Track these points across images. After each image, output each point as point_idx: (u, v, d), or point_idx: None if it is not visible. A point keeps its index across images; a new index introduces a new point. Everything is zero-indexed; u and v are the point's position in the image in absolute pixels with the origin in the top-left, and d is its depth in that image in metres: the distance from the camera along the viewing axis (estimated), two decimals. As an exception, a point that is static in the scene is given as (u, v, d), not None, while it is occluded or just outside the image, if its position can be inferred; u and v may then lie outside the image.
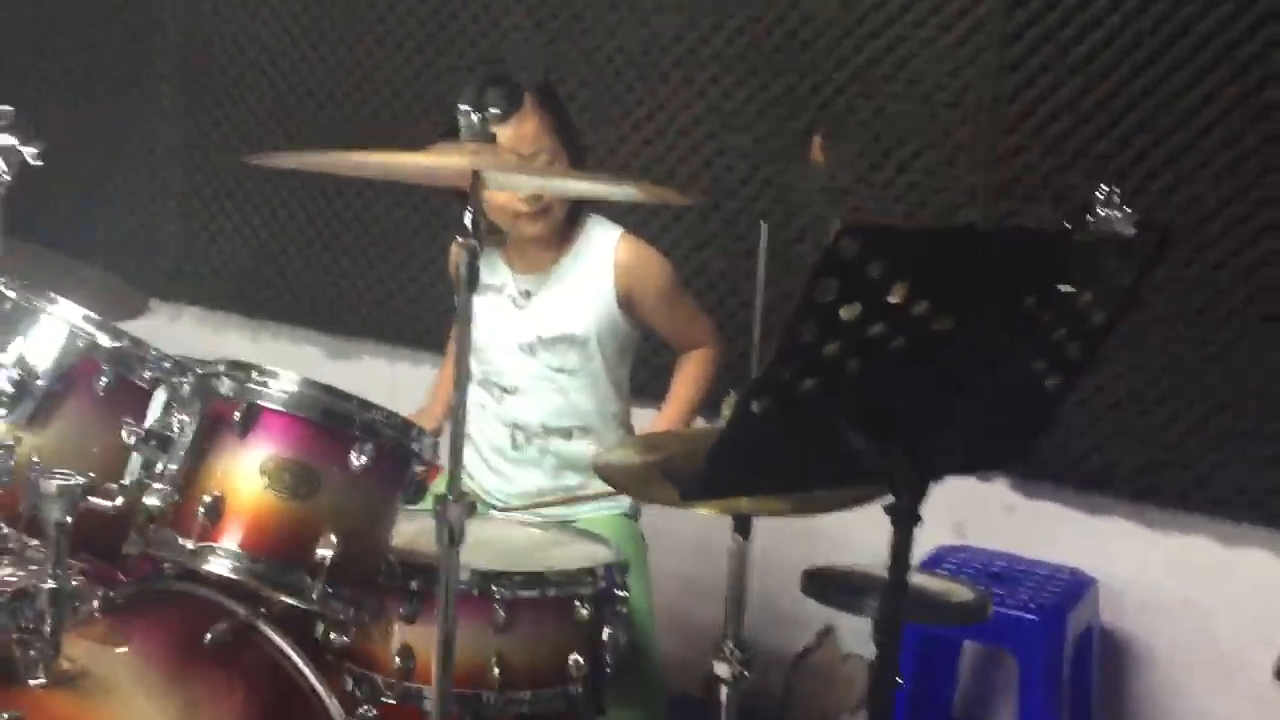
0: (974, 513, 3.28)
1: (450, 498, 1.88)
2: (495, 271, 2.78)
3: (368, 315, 3.97)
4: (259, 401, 2.00)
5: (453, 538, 1.88)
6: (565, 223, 2.73)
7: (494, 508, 2.77)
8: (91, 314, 2.16)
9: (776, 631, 3.50)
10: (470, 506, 1.91)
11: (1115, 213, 1.86)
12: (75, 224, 4.28)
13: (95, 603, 2.05)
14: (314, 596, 1.97)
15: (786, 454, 1.86)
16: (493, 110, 2.53)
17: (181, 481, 2.00)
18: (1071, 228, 1.82)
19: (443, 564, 1.88)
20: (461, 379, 1.91)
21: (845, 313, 1.72)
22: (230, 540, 1.98)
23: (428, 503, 2.74)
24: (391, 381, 3.90)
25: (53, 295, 2.16)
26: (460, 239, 2.70)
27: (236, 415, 1.99)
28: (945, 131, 3.16)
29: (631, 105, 3.52)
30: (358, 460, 2.01)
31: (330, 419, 2.02)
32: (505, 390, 2.76)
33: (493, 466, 2.81)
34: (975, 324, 1.85)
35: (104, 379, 2.13)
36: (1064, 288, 1.91)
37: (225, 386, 2.01)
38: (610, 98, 3.54)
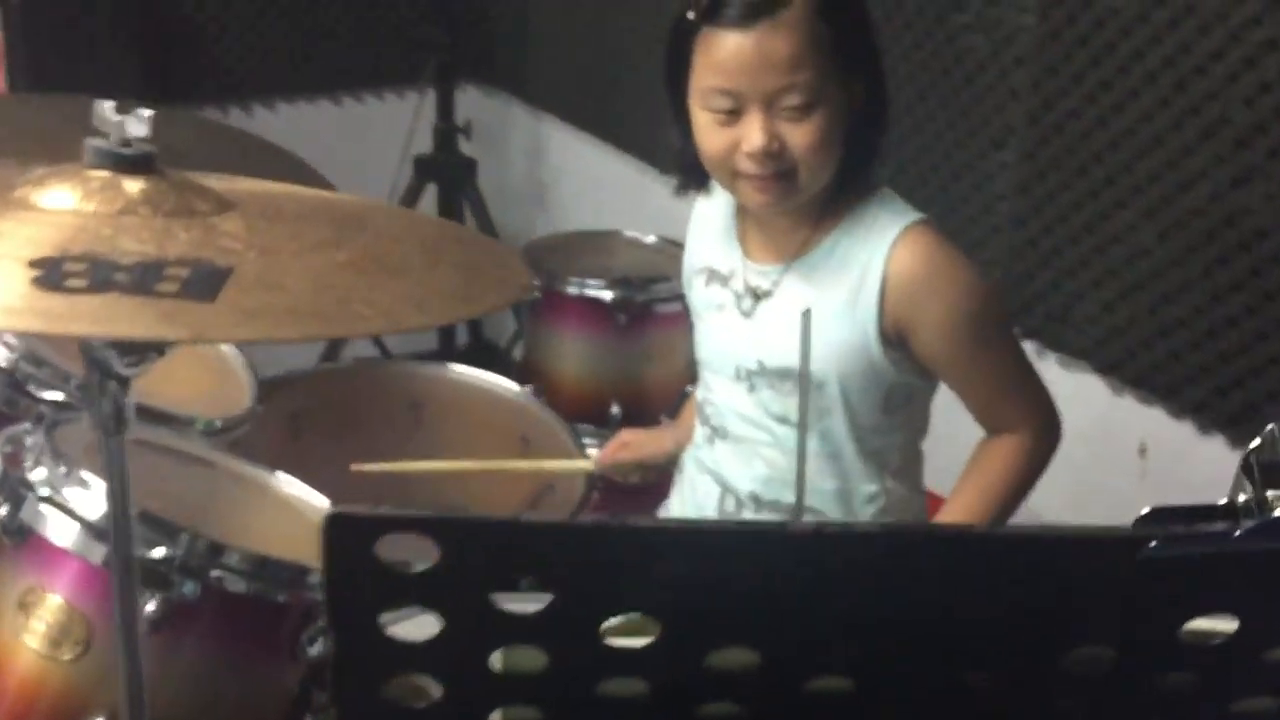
0: None
1: None
2: (727, 251, 1.87)
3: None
4: (25, 520, 1.36)
5: None
6: (828, 196, 1.74)
7: None
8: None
9: None
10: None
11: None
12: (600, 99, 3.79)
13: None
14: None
15: None
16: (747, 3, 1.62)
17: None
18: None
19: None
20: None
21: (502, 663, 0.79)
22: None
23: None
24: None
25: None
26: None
27: (4, 515, 1.37)
28: None
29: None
30: (149, 616, 1.32)
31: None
32: (714, 431, 1.87)
33: (696, 533, 1.94)
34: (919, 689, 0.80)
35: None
36: (1205, 626, 0.78)
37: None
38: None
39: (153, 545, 1.32)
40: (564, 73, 3.95)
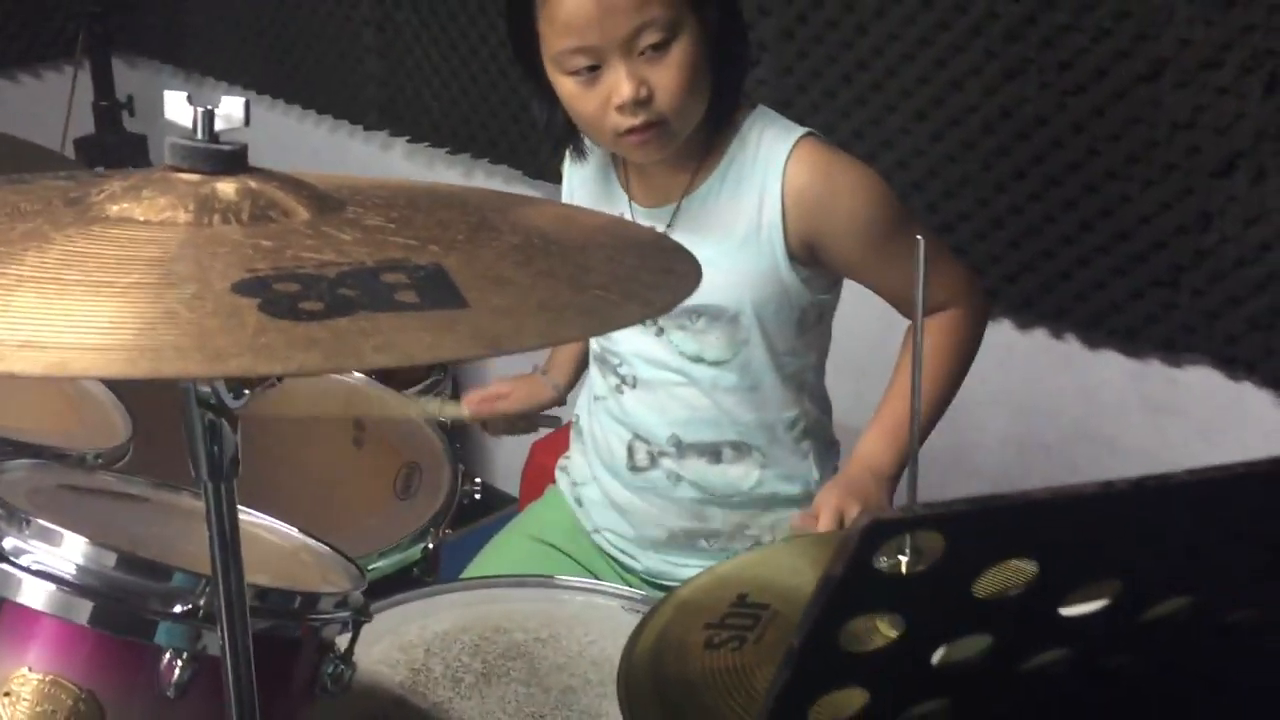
0: None
1: None
2: (610, 196, 1.80)
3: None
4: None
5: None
6: (705, 128, 1.69)
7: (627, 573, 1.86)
8: None
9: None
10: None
11: None
12: (272, 59, 3.56)
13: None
14: None
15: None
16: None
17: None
18: None
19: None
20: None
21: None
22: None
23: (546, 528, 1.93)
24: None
25: None
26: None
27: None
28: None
29: None
30: (174, 679, 1.14)
31: (115, 621, 1.15)
32: (623, 381, 1.80)
33: (606, 491, 1.87)
34: None
35: None
36: None
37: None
38: None
39: (162, 596, 1.14)
40: (224, 34, 3.70)
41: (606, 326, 0.78)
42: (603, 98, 1.60)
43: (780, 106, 2.53)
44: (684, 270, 0.89)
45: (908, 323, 1.82)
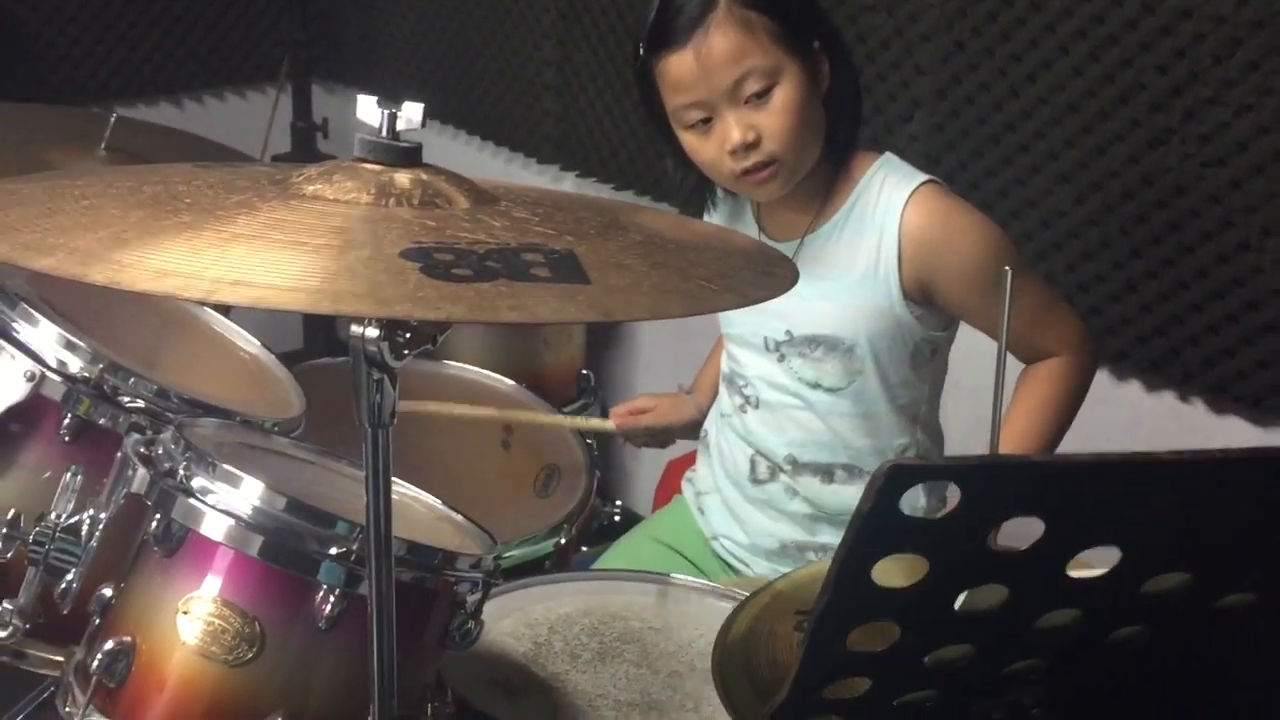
0: None
1: None
2: (745, 230, 1.94)
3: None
4: (178, 519, 1.33)
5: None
6: (828, 169, 1.82)
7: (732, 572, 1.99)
8: (70, 335, 1.55)
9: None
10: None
11: None
12: (459, 92, 3.80)
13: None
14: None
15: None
16: (678, 24, 1.70)
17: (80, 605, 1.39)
18: None
19: None
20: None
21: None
22: (138, 720, 1.35)
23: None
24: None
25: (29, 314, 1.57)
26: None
27: (155, 526, 1.34)
28: None
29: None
30: (326, 612, 1.31)
31: (280, 555, 1.32)
32: (747, 401, 1.94)
33: (726, 501, 2.01)
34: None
35: (66, 421, 1.54)
36: None
37: (139, 481, 1.35)
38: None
39: (321, 539, 1.32)
40: (416, 66, 3.94)
41: (703, 309, 0.92)
42: (717, 145, 1.76)
43: (930, 163, 2.66)
44: (782, 274, 1.03)
45: (1024, 366, 1.92)
